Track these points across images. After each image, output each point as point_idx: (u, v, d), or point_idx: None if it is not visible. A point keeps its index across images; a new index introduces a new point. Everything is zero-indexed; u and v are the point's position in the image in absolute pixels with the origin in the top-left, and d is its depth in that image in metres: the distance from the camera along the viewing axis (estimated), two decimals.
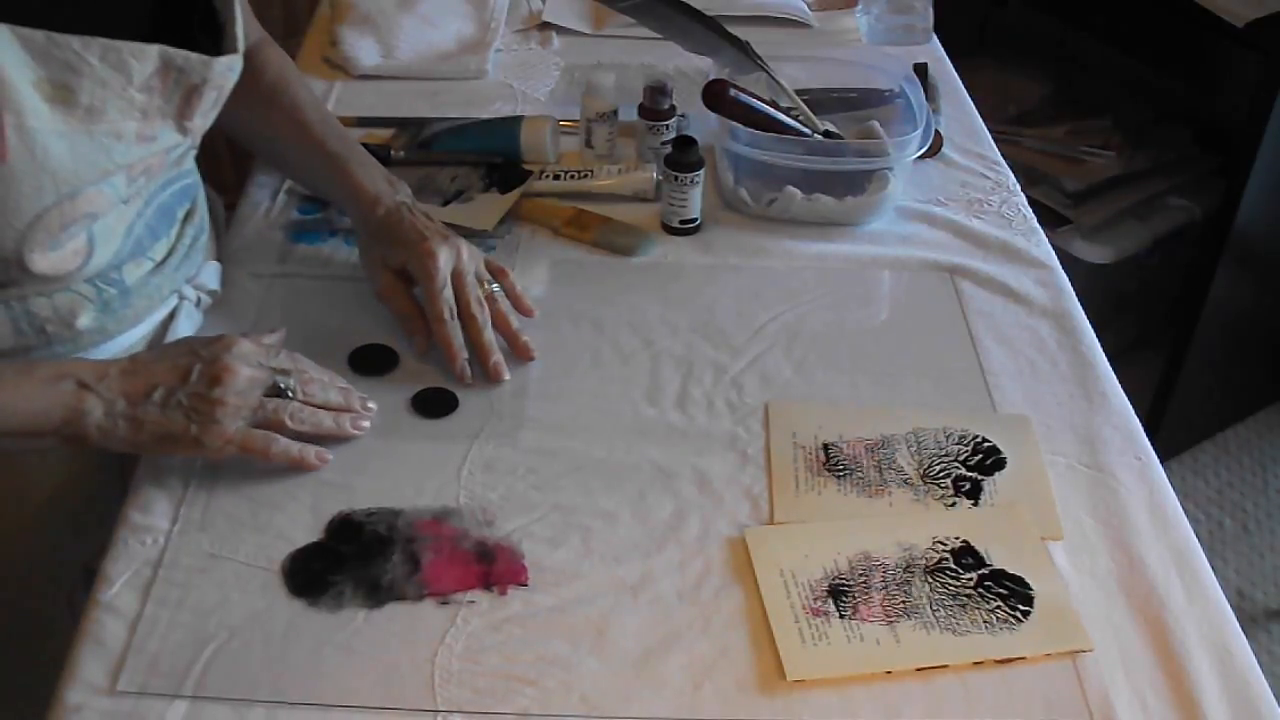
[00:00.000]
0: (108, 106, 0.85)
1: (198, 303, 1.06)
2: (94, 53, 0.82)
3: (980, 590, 0.86)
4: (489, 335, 1.03)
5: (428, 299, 1.03)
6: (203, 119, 0.95)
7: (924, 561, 0.88)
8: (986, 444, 0.99)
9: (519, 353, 1.05)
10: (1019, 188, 1.33)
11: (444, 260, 1.03)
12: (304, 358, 0.97)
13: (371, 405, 0.98)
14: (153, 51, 0.86)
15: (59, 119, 0.83)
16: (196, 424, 0.88)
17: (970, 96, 1.51)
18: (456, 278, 1.03)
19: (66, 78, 0.82)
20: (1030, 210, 1.29)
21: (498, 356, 1.03)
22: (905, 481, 0.95)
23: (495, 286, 1.07)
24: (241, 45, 0.96)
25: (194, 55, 0.89)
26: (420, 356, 1.04)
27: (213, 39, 0.95)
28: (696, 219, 1.23)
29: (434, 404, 1.00)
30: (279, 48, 1.17)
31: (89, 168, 0.86)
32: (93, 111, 0.84)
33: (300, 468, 0.92)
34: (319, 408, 0.94)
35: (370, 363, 1.04)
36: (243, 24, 0.96)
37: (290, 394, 0.93)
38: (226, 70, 0.94)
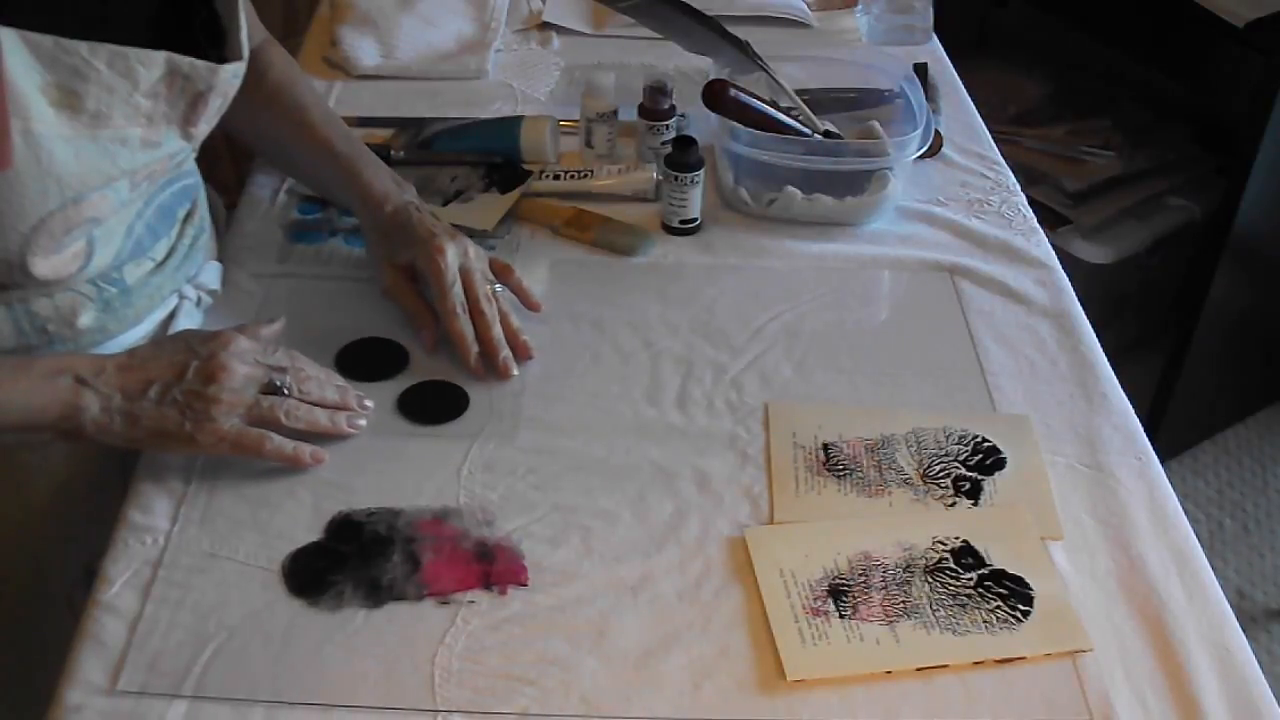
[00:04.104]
0: (114, 112, 0.85)
1: (198, 302, 1.06)
2: (101, 58, 0.83)
3: (980, 590, 0.86)
4: (497, 331, 1.04)
5: (439, 295, 1.03)
6: (207, 125, 0.95)
7: (924, 561, 0.88)
8: (986, 444, 0.99)
9: (518, 352, 1.05)
10: (1019, 188, 1.33)
11: (453, 257, 1.03)
12: (301, 355, 0.97)
13: (368, 403, 0.98)
14: (159, 58, 0.86)
15: (65, 124, 0.83)
16: (190, 421, 0.88)
17: (970, 96, 1.51)
18: (465, 275, 1.04)
19: (73, 83, 0.82)
20: (1030, 210, 1.29)
21: (506, 353, 1.03)
22: (905, 481, 0.95)
23: (498, 287, 1.08)
24: (246, 52, 0.96)
25: (200, 62, 0.89)
26: (429, 352, 1.05)
27: (215, 43, 0.95)
28: (696, 219, 1.23)
29: (442, 406, 1.00)
30: (282, 48, 1.17)
31: (94, 173, 0.86)
32: (98, 117, 0.84)
33: (294, 466, 0.92)
34: (315, 405, 0.94)
35: (380, 361, 1.04)
36: (246, 29, 0.97)
37: (286, 391, 0.93)
38: (232, 77, 0.94)
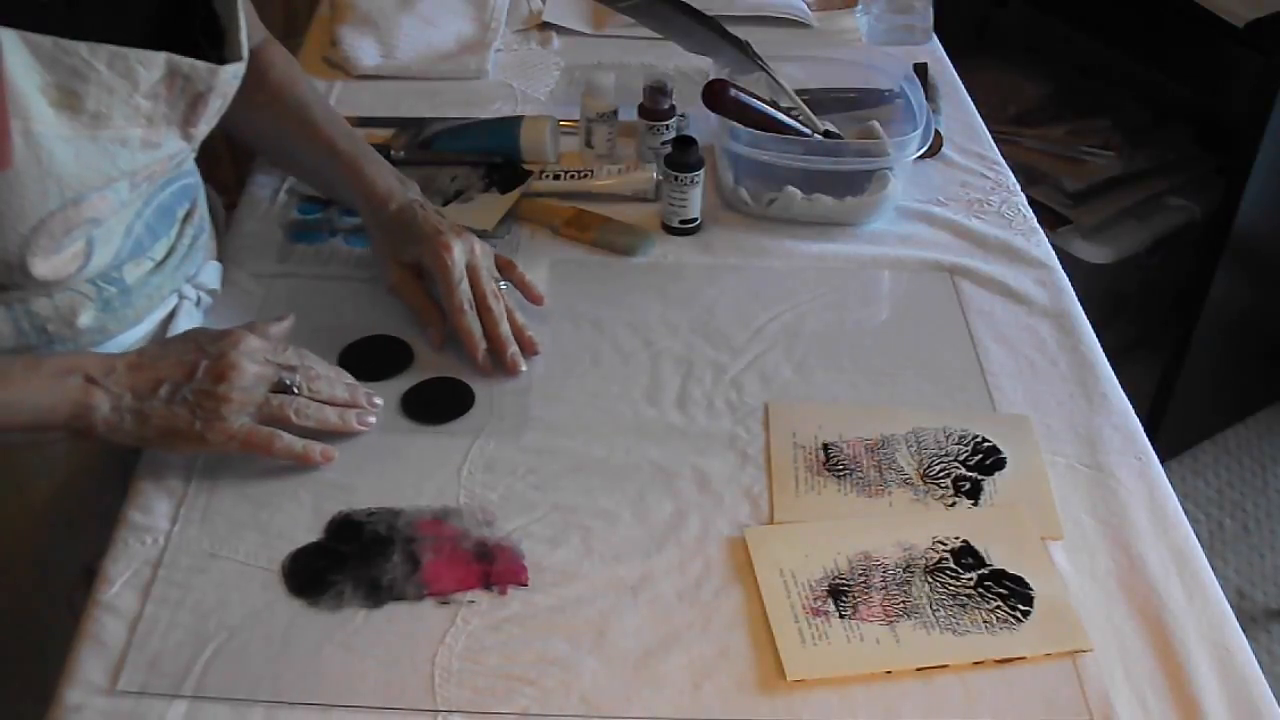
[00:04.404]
0: (114, 113, 0.85)
1: (198, 302, 1.06)
2: (101, 59, 0.83)
3: (980, 590, 0.86)
4: (505, 328, 1.04)
5: (445, 292, 1.03)
6: (207, 125, 0.95)
7: (924, 561, 0.88)
8: (986, 444, 0.99)
9: (524, 348, 1.05)
10: (1019, 188, 1.33)
11: (459, 254, 1.04)
12: (310, 353, 0.97)
13: (378, 401, 0.98)
14: (159, 59, 0.86)
15: (65, 124, 0.83)
16: (201, 420, 0.88)
17: (970, 96, 1.51)
18: (471, 271, 1.04)
19: (73, 83, 0.82)
20: (1030, 210, 1.29)
21: (514, 348, 1.03)
22: (905, 481, 0.95)
23: (503, 284, 1.08)
24: (246, 52, 0.96)
25: (200, 63, 0.89)
26: (436, 349, 1.05)
27: (215, 43, 0.95)
28: (696, 219, 1.23)
29: (447, 404, 1.00)
30: (282, 47, 1.18)
31: (94, 174, 0.86)
32: (99, 117, 0.84)
33: (304, 463, 0.92)
34: (325, 403, 0.94)
35: (383, 360, 1.04)
36: (246, 30, 0.97)
37: (296, 390, 0.93)
38: (232, 78, 0.94)
